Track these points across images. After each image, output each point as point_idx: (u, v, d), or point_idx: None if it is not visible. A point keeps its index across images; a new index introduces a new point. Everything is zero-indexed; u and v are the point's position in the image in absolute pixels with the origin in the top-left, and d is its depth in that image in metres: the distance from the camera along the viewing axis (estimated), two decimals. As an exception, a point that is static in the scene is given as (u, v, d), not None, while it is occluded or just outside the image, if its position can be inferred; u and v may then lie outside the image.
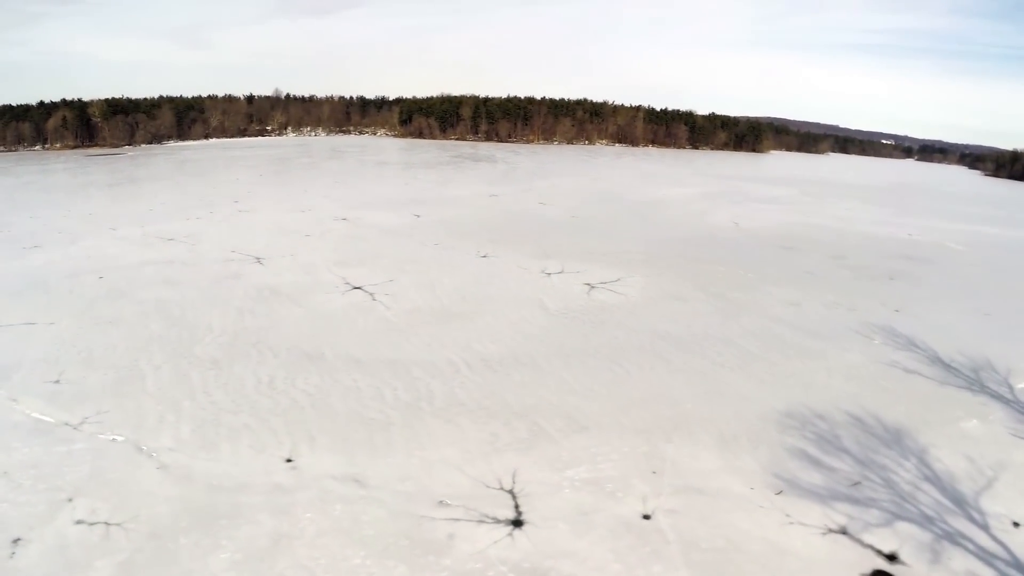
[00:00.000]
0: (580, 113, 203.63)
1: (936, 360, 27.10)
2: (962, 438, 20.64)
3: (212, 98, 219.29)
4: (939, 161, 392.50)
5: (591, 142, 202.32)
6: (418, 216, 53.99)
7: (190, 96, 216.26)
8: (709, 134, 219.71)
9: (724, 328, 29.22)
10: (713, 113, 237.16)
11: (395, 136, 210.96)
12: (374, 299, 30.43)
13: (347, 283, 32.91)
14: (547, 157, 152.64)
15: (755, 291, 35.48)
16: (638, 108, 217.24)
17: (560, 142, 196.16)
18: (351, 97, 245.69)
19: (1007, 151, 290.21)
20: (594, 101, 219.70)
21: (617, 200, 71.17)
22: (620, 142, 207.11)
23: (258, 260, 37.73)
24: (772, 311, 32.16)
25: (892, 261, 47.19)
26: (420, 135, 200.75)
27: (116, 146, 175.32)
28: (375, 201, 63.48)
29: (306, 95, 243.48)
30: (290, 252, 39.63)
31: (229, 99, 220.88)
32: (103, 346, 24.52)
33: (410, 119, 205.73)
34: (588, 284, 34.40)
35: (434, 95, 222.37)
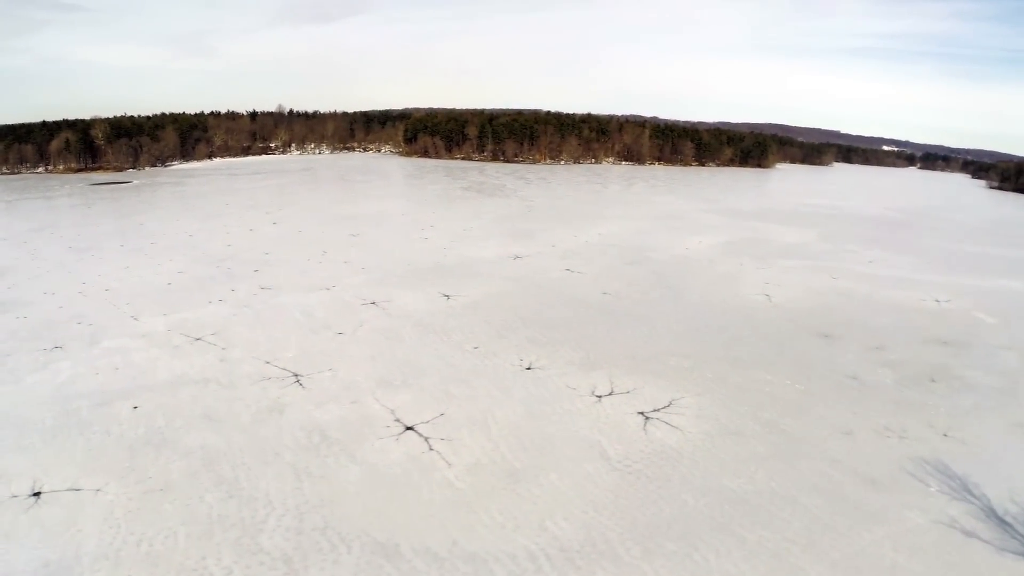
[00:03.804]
0: (586, 131, 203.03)
1: (991, 513, 26.72)
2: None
3: (215, 115, 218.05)
4: (942, 169, 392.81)
5: (597, 160, 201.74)
6: (447, 297, 53.09)
7: (193, 113, 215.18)
8: (715, 150, 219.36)
9: (786, 479, 28.50)
10: (718, 128, 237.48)
11: (400, 154, 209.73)
12: (431, 447, 29.56)
13: (397, 420, 32.04)
14: (558, 187, 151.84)
15: (806, 416, 34.73)
16: (643, 125, 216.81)
17: (567, 161, 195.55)
18: (355, 113, 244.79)
19: (1012, 160, 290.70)
20: (600, 117, 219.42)
21: (643, 262, 70.39)
22: (627, 160, 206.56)
23: (296, 379, 36.82)
24: (827, 448, 31.48)
25: (929, 350, 46.48)
26: (425, 153, 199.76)
27: (120, 169, 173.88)
28: (397, 270, 62.55)
29: (310, 110, 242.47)
30: (327, 365, 38.70)
31: (232, 116, 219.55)
32: (162, 533, 23.60)
33: (415, 137, 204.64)
34: (642, 414, 33.59)
35: (438, 107, 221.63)
